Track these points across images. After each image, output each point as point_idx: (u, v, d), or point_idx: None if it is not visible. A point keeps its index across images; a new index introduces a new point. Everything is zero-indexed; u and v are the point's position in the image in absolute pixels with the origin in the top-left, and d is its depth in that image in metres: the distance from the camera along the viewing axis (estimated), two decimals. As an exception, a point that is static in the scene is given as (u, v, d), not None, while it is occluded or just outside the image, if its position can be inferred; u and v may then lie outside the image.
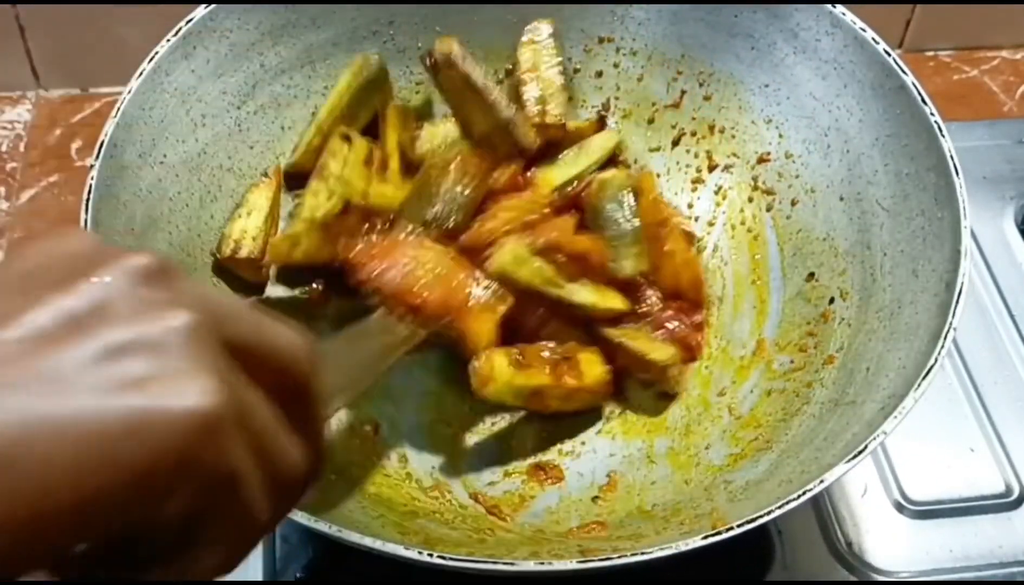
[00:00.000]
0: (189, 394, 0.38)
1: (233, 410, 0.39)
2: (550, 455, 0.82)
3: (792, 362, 0.81)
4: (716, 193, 0.91)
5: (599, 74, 0.93)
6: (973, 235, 0.97)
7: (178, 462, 0.37)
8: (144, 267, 0.41)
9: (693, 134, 0.92)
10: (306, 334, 0.45)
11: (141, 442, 0.37)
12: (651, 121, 0.93)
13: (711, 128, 0.91)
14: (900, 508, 0.86)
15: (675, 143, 0.93)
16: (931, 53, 1.22)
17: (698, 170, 0.92)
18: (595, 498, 0.79)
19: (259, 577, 0.80)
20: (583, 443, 0.83)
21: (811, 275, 0.84)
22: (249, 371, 0.42)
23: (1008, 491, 0.88)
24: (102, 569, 0.41)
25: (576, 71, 0.93)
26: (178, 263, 0.44)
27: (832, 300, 0.81)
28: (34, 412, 0.36)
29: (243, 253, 0.81)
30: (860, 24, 0.82)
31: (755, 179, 0.90)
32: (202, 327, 0.40)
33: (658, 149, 0.93)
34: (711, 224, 0.91)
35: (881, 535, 0.85)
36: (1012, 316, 0.97)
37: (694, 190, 0.92)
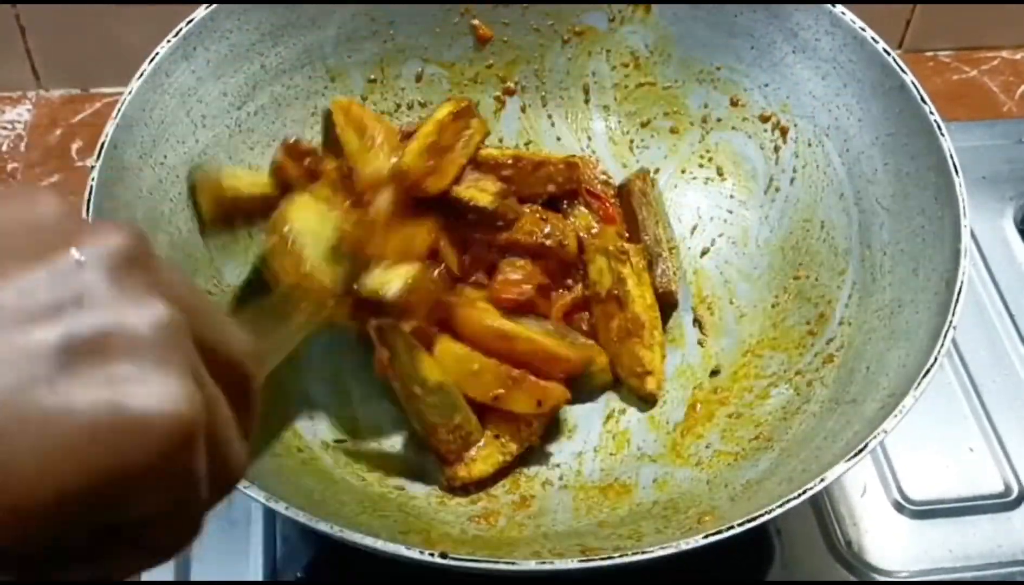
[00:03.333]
0: (166, 397, 0.35)
1: (203, 415, 0.37)
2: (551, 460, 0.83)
3: (792, 361, 0.81)
4: (716, 193, 0.92)
5: (596, 73, 0.94)
6: (973, 235, 0.97)
7: (151, 467, 0.35)
8: (121, 247, 0.37)
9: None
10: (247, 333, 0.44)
11: (113, 445, 0.34)
12: (646, 124, 0.94)
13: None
14: (899, 508, 0.86)
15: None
16: (931, 53, 1.22)
17: (699, 168, 0.93)
18: (595, 497, 0.79)
19: (259, 577, 0.80)
20: (584, 442, 0.83)
21: (811, 274, 0.84)
22: (211, 370, 0.39)
23: (1007, 491, 0.88)
24: (30, 569, 0.37)
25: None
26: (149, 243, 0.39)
27: (832, 299, 0.82)
28: (5, 402, 0.33)
29: None
30: (860, 23, 0.82)
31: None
32: (177, 322, 0.37)
33: (659, 150, 0.93)
34: (712, 221, 0.91)
35: (880, 535, 0.85)
36: (1011, 316, 0.97)
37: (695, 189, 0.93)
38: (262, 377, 0.47)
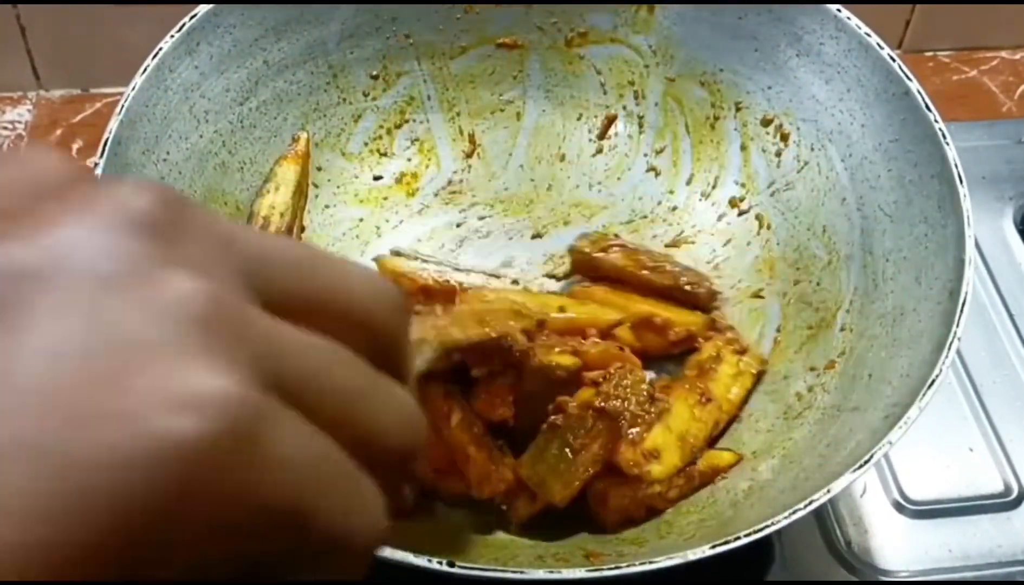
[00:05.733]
0: (193, 412, 0.26)
1: (271, 411, 0.28)
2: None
3: (793, 366, 0.82)
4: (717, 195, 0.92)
5: (598, 72, 0.94)
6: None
7: (190, 501, 0.26)
8: (141, 211, 0.28)
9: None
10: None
11: (128, 485, 0.25)
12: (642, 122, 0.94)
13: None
14: (899, 508, 0.87)
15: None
16: (930, 53, 1.22)
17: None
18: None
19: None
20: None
21: (812, 279, 0.84)
22: (328, 331, 0.31)
23: (1007, 491, 0.88)
24: None
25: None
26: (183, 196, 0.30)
27: (834, 304, 0.82)
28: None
29: (272, 230, 0.81)
30: (865, 28, 0.82)
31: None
32: (219, 299, 0.28)
33: (661, 151, 0.93)
34: (718, 220, 0.92)
35: (880, 535, 0.85)
36: (1011, 316, 0.98)
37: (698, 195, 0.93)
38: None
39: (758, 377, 0.82)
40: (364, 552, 0.31)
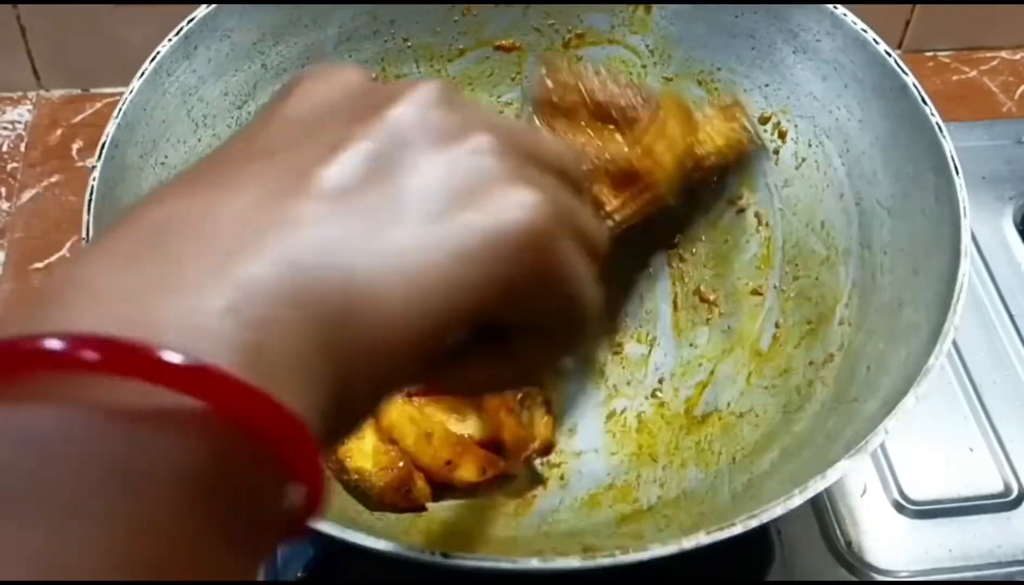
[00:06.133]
0: (519, 208, 0.39)
1: (556, 213, 0.40)
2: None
3: (793, 361, 0.82)
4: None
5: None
6: (972, 235, 0.97)
7: (524, 273, 0.39)
8: (431, 94, 0.41)
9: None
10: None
11: (488, 262, 0.38)
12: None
13: (710, 128, 0.92)
14: (899, 508, 0.86)
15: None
16: (930, 53, 1.22)
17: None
18: (597, 497, 0.79)
19: (259, 577, 0.80)
20: (584, 442, 0.83)
21: (811, 274, 0.84)
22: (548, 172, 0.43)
23: (1007, 491, 0.88)
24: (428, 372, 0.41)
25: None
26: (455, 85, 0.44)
27: (832, 299, 0.82)
28: (378, 248, 0.36)
29: None
30: (861, 25, 0.82)
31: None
32: (504, 143, 0.41)
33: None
34: (717, 218, 0.91)
35: (880, 535, 0.85)
36: (1011, 316, 0.98)
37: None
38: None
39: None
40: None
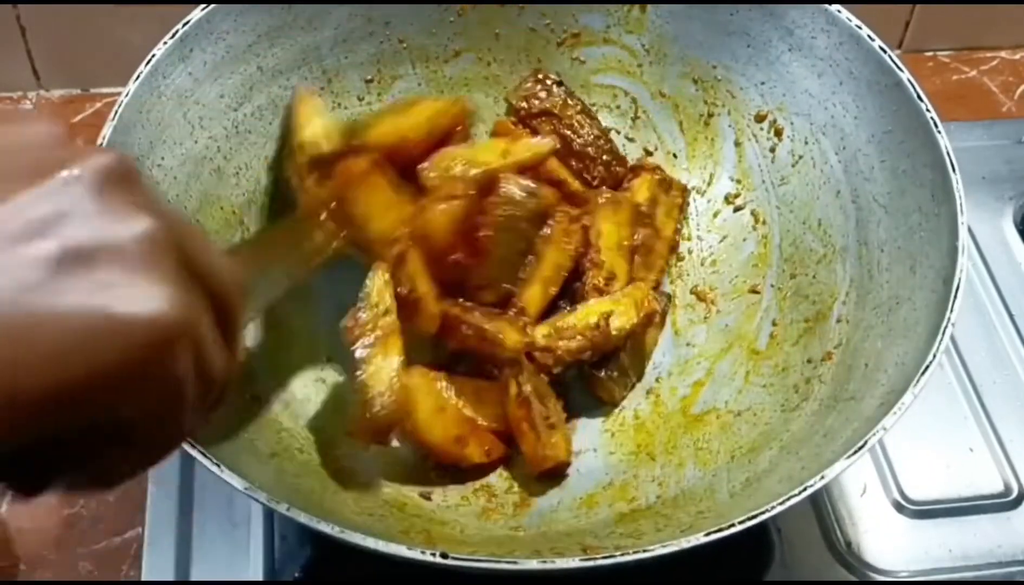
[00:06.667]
0: (150, 301, 0.39)
1: (186, 317, 0.41)
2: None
3: (791, 359, 0.81)
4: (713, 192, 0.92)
5: (596, 72, 0.94)
6: (972, 235, 0.98)
7: (136, 365, 0.39)
8: (108, 168, 0.41)
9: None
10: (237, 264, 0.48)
11: (101, 346, 0.38)
12: (636, 118, 0.94)
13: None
14: (899, 508, 0.86)
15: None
16: (930, 53, 1.22)
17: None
18: (595, 496, 0.79)
19: (259, 577, 0.80)
20: (583, 441, 0.83)
21: (808, 272, 0.84)
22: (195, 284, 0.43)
23: (1007, 491, 0.88)
24: (25, 470, 0.42)
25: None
26: (138, 165, 0.44)
27: (830, 297, 0.81)
28: (9, 305, 0.37)
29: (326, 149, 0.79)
30: (856, 21, 0.82)
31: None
32: (162, 235, 0.41)
33: (655, 149, 0.93)
34: (714, 217, 0.92)
35: (880, 535, 0.85)
36: (1011, 316, 0.97)
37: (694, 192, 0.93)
38: (248, 305, 0.52)
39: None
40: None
